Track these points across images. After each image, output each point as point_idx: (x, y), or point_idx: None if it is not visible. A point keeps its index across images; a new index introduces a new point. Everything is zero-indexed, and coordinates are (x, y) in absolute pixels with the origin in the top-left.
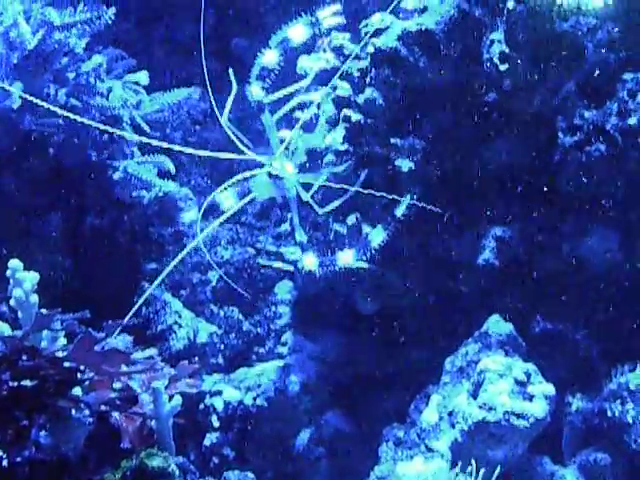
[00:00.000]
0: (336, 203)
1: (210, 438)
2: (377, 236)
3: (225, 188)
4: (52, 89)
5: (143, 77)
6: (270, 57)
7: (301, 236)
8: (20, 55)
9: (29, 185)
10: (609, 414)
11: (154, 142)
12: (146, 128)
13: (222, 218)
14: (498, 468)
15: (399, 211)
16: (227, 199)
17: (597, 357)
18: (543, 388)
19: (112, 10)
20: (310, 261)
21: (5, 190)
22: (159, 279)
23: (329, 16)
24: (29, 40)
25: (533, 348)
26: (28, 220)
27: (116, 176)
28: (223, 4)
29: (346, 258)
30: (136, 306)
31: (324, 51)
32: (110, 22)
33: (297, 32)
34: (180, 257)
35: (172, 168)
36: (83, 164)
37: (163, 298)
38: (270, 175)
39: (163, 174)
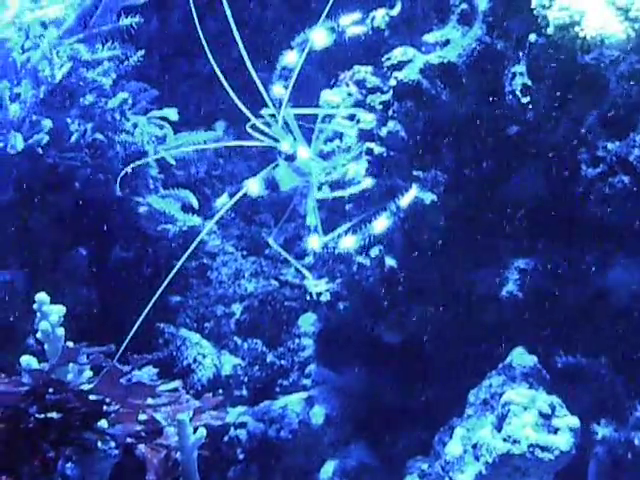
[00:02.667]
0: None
1: (234, 470)
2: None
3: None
4: (78, 125)
5: (172, 113)
6: (291, 57)
7: (313, 220)
8: (46, 90)
9: (55, 219)
10: (636, 443)
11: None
12: (172, 162)
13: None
14: None
15: (404, 202)
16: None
17: (621, 389)
18: (568, 421)
19: (141, 52)
20: (314, 242)
21: (31, 224)
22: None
23: (351, 24)
24: (55, 75)
25: (557, 380)
26: (54, 254)
27: (141, 210)
28: (246, 38)
29: (348, 242)
30: (137, 323)
31: (347, 85)
32: (138, 63)
33: (319, 36)
34: (188, 254)
35: (195, 203)
36: (108, 198)
37: (181, 334)
38: (289, 158)
39: (187, 207)
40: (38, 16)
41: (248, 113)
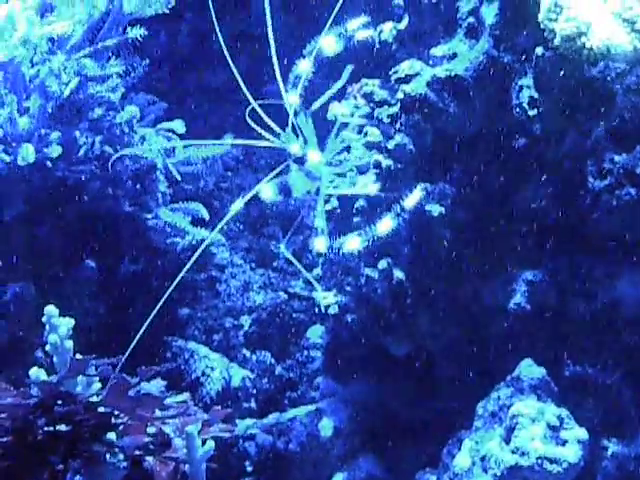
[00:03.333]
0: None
1: None
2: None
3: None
4: (86, 138)
5: (179, 125)
6: (304, 66)
7: (321, 223)
8: (54, 104)
9: (64, 232)
10: None
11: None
12: (178, 177)
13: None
14: None
15: (409, 203)
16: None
17: (630, 402)
18: (576, 433)
19: (146, 61)
20: (320, 244)
21: (41, 237)
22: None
23: (359, 28)
24: (63, 90)
25: (565, 392)
26: (63, 266)
27: (150, 223)
28: (256, 50)
29: (353, 243)
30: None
31: (355, 98)
32: (144, 73)
33: (329, 42)
34: (193, 261)
35: (206, 215)
36: (117, 211)
37: (189, 347)
38: (299, 161)
39: (196, 220)
40: (46, 32)
41: (258, 108)
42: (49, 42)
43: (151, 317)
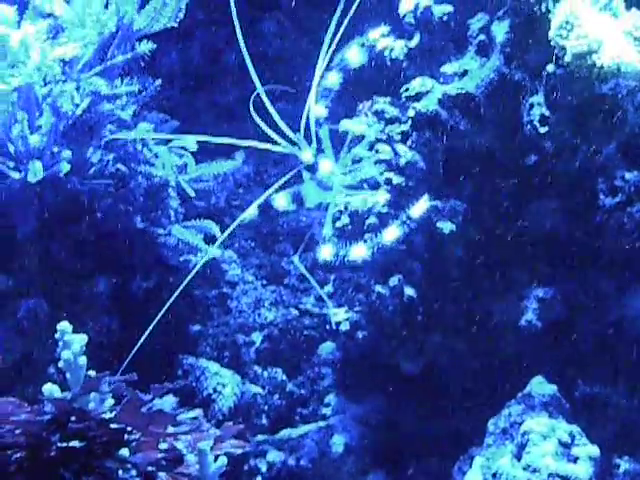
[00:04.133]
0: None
1: None
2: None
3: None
4: (100, 155)
5: (191, 142)
6: (332, 78)
7: (329, 232)
8: (67, 123)
9: (77, 248)
10: None
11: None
12: (191, 193)
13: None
14: None
15: (415, 212)
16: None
17: None
18: (587, 450)
19: (158, 82)
20: (327, 251)
21: (53, 253)
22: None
23: (380, 37)
24: (75, 110)
25: (577, 409)
26: (76, 283)
27: (162, 240)
28: (268, 69)
29: (359, 251)
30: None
31: (365, 115)
32: (156, 93)
33: (353, 53)
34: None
35: (218, 233)
36: (130, 228)
37: (201, 364)
38: (310, 169)
39: (208, 237)
40: (57, 55)
41: (272, 109)
42: (61, 63)
43: (148, 331)
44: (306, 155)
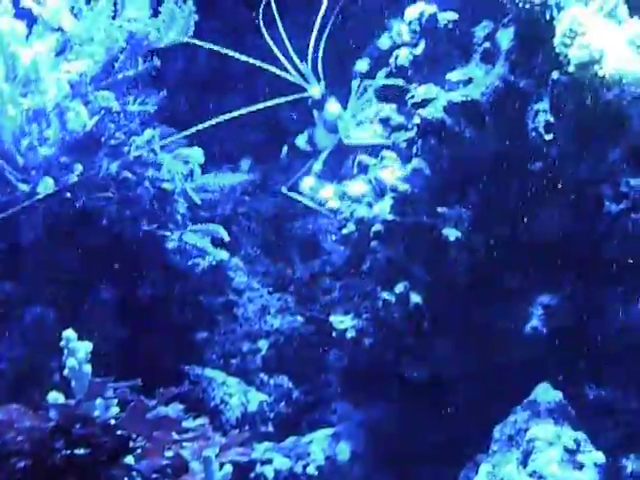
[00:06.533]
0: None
1: None
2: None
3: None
4: (105, 163)
5: (197, 154)
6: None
7: (320, 166)
8: (75, 136)
9: (83, 255)
10: None
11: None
12: (197, 200)
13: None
14: None
15: (384, 176)
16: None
17: None
18: (593, 456)
19: (163, 92)
20: (327, 192)
21: (60, 260)
22: None
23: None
24: (84, 125)
25: (582, 416)
26: (82, 290)
27: (170, 245)
28: (273, 78)
29: (357, 188)
30: None
31: (371, 122)
32: (162, 100)
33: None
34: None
35: (226, 236)
36: (136, 234)
37: (207, 375)
38: (316, 106)
39: (216, 243)
40: (67, 71)
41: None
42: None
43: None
44: (314, 90)
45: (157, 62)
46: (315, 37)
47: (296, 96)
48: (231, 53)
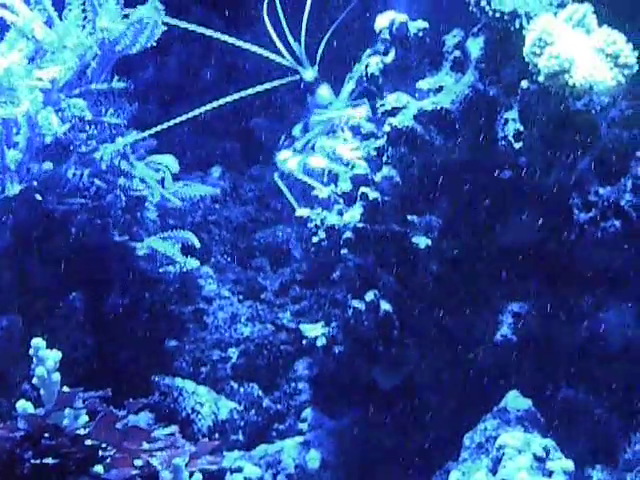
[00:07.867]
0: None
1: None
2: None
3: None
4: (75, 169)
5: (170, 161)
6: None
7: (297, 132)
8: (44, 141)
9: (52, 264)
10: None
11: None
12: (178, 202)
13: None
14: None
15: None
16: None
17: (616, 431)
18: (562, 464)
19: (135, 105)
20: (292, 162)
21: (28, 269)
22: None
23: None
24: (55, 132)
25: (552, 423)
26: (51, 298)
27: (140, 253)
28: (244, 84)
29: (317, 161)
30: None
31: (342, 130)
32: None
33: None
34: None
35: (197, 243)
36: (105, 243)
37: (177, 384)
38: (307, 88)
39: (185, 251)
40: (39, 78)
41: (274, 36)
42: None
43: None
44: (308, 73)
45: (122, 85)
46: (306, 21)
47: (290, 78)
48: (231, 40)
